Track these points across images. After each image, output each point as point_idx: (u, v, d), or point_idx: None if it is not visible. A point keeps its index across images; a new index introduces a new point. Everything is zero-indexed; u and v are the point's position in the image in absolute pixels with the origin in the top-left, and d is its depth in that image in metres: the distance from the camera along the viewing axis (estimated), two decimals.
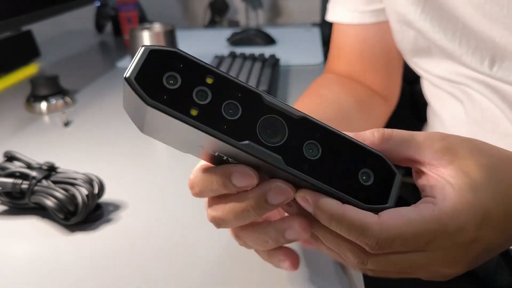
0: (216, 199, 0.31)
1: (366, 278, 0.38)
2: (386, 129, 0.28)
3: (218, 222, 0.32)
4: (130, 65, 0.24)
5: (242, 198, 0.29)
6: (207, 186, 0.29)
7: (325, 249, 0.30)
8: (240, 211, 0.29)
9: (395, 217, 0.26)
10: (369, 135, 0.28)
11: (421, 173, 0.29)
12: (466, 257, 0.27)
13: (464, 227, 0.25)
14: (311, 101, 0.54)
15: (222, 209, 0.30)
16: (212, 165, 0.30)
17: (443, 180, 0.27)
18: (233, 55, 0.92)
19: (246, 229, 0.32)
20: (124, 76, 0.24)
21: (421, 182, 0.29)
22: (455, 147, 0.28)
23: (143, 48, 0.25)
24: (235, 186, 0.27)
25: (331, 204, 0.26)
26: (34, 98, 0.75)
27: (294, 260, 0.33)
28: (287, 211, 0.31)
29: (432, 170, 0.28)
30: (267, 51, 1.05)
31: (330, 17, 0.63)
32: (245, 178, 0.27)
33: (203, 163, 0.31)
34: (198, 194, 0.31)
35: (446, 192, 0.26)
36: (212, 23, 2.10)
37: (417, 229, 0.25)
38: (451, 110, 0.53)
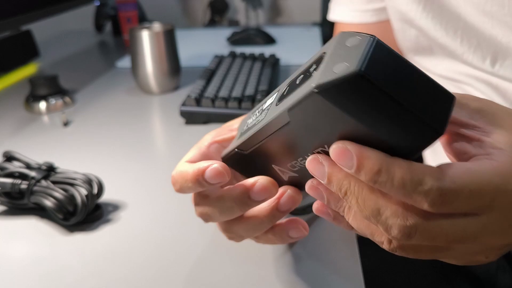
0: (201, 196, 0.33)
1: (366, 276, 0.38)
2: None
3: (205, 218, 0.33)
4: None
5: (227, 195, 0.31)
6: (184, 183, 0.31)
7: (353, 222, 0.26)
8: (225, 207, 0.31)
9: (456, 167, 0.22)
10: None
11: (455, 136, 0.26)
12: None
13: None
14: None
15: (208, 206, 0.32)
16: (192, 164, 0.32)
17: (490, 138, 0.24)
18: (233, 55, 0.91)
19: (239, 223, 0.33)
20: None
21: (458, 146, 0.26)
22: (491, 107, 0.26)
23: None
24: (208, 183, 0.30)
25: (379, 153, 0.22)
26: (33, 98, 0.75)
27: (303, 224, 0.33)
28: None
29: (472, 131, 0.25)
30: (267, 50, 1.05)
31: (331, 16, 0.64)
32: (217, 176, 0.29)
33: (185, 160, 0.33)
34: (179, 190, 0.33)
35: (499, 147, 0.23)
36: (212, 23, 2.10)
37: (484, 181, 0.22)
38: None
